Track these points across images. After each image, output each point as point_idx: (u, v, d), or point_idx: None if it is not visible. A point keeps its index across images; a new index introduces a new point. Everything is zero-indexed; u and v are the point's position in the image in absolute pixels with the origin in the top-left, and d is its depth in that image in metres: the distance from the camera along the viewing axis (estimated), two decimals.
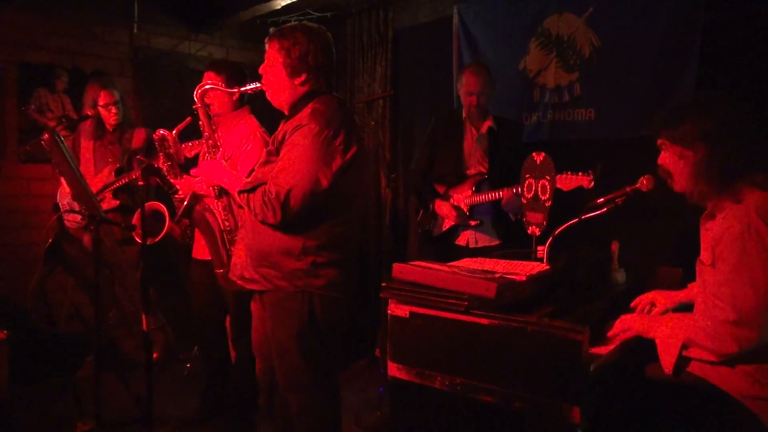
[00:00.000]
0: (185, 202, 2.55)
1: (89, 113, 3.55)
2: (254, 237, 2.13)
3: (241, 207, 2.41)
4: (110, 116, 3.56)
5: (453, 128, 3.36)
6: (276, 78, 2.11)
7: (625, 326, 1.86)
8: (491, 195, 3.17)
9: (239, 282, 2.22)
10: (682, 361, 1.75)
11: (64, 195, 3.50)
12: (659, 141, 1.87)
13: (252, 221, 2.13)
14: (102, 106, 3.54)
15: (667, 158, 1.85)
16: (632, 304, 2.14)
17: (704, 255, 1.84)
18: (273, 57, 2.10)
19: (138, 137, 3.64)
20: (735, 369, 1.70)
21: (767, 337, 1.61)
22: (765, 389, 1.67)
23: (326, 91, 2.14)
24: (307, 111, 2.04)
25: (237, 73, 2.88)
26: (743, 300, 1.61)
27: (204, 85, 2.40)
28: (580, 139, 3.45)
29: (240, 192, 2.09)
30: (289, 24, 2.16)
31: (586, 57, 3.40)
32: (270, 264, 2.09)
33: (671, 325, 1.77)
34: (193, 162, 3.04)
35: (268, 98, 2.18)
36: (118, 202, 3.55)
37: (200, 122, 2.42)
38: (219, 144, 2.43)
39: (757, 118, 2.69)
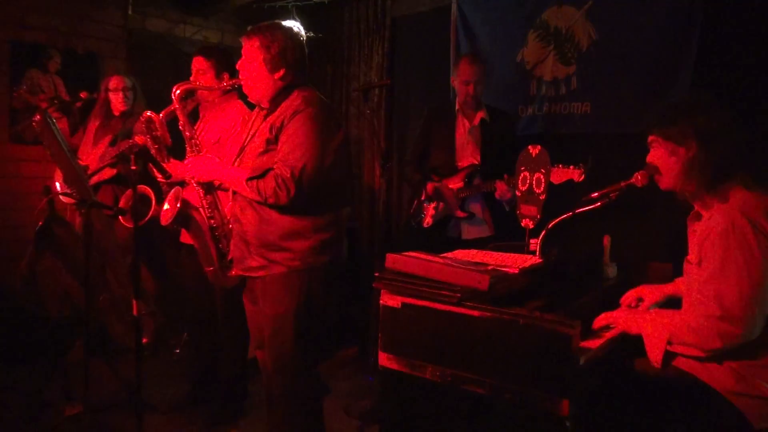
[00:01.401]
0: (171, 206, 2.51)
1: (82, 95, 3.52)
2: (261, 226, 2.20)
3: (226, 189, 2.41)
4: (118, 101, 3.58)
5: (446, 119, 3.35)
6: (255, 73, 2.20)
7: (609, 322, 1.87)
8: (483, 187, 3.17)
9: (248, 273, 2.28)
10: (669, 355, 1.77)
11: (59, 176, 3.48)
12: (650, 138, 1.88)
13: (256, 212, 2.20)
14: (111, 90, 3.57)
15: (657, 155, 1.86)
16: (621, 300, 2.15)
17: (691, 254, 1.86)
18: (253, 53, 2.19)
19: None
20: (722, 365, 1.72)
21: (752, 334, 1.63)
22: (750, 386, 1.69)
23: (302, 83, 2.26)
24: (298, 98, 2.17)
25: (226, 58, 2.89)
26: (727, 296, 1.63)
27: (182, 86, 2.43)
28: (575, 132, 3.45)
29: (249, 179, 2.14)
30: (264, 23, 2.24)
31: (584, 50, 3.39)
32: (282, 248, 2.19)
33: (655, 320, 1.78)
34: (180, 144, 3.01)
35: (246, 92, 2.27)
36: (116, 170, 3.53)
37: (180, 123, 2.42)
38: (200, 144, 2.43)
39: (752, 114, 2.71)
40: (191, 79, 2.87)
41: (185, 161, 2.44)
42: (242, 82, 2.25)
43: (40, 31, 4.03)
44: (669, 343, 1.73)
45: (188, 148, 2.44)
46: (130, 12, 4.36)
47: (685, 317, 1.74)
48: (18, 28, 3.94)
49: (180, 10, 4.63)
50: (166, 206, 2.54)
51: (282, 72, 2.19)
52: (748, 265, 1.62)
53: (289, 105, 2.16)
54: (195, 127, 2.96)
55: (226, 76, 2.82)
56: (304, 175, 2.08)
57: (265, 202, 2.13)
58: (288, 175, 2.06)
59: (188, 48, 4.61)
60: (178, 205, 2.47)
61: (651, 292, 2.11)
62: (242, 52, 2.22)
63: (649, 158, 1.90)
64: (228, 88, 2.30)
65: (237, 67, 2.26)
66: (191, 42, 4.65)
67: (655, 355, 1.75)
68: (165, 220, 2.54)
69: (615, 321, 1.86)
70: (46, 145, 2.80)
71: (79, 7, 4.17)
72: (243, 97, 2.94)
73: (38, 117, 2.60)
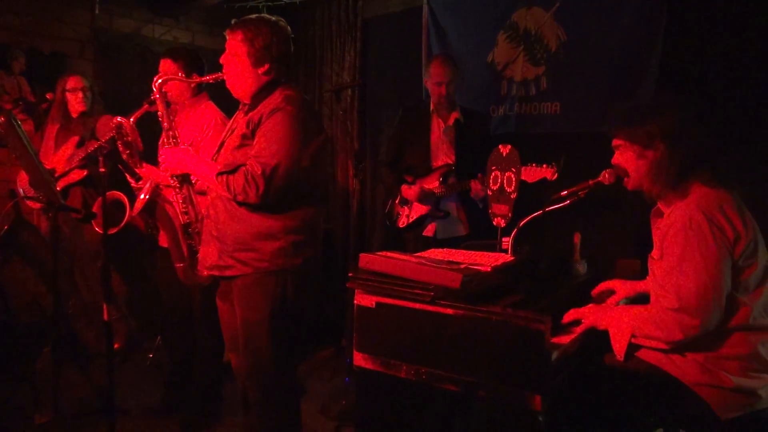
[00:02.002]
0: (145, 196, 2.48)
1: (48, 96, 3.45)
2: (230, 223, 2.15)
3: (202, 193, 2.38)
4: (77, 102, 3.49)
5: (420, 120, 3.37)
6: (239, 68, 2.15)
7: (578, 317, 1.90)
8: (458, 186, 3.20)
9: (212, 272, 2.24)
10: (633, 348, 1.81)
11: (22, 179, 3.40)
12: (615, 142, 1.92)
13: (226, 208, 2.16)
14: (69, 91, 3.48)
15: (624, 159, 1.90)
16: (593, 293, 2.19)
17: (655, 250, 1.91)
18: (236, 47, 2.13)
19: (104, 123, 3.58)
20: (686, 358, 1.77)
21: (709, 324, 1.68)
22: (713, 377, 1.74)
23: (286, 80, 2.22)
24: (279, 96, 2.11)
25: (194, 60, 2.86)
26: (685, 289, 1.68)
27: (163, 76, 2.38)
28: (545, 132, 3.50)
29: (219, 174, 2.10)
30: (250, 16, 2.19)
31: (553, 51, 3.45)
32: (249, 248, 2.13)
33: (621, 315, 1.82)
34: (151, 149, 2.99)
35: (229, 88, 2.21)
36: (86, 172, 3.46)
37: (159, 114, 2.38)
38: (178, 136, 2.40)
39: (713, 113, 2.79)
40: None
41: (160, 152, 2.37)
42: (225, 77, 2.19)
43: (4, 31, 3.92)
44: (633, 336, 1.78)
45: (165, 139, 2.38)
46: (96, 11, 4.28)
47: (648, 311, 1.78)
48: None
49: (148, 10, 4.56)
50: (142, 196, 2.50)
51: (266, 67, 2.14)
52: (704, 259, 1.68)
53: (270, 102, 2.11)
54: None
55: (195, 77, 2.80)
56: (276, 174, 2.02)
57: (234, 199, 2.08)
58: (258, 172, 2.00)
59: (157, 48, 4.54)
60: (147, 196, 2.43)
61: (623, 287, 2.17)
62: (226, 45, 2.16)
63: (614, 161, 1.93)
64: (210, 81, 2.24)
65: (221, 61, 2.19)
66: (160, 42, 4.58)
67: (618, 348, 1.79)
68: (136, 210, 2.50)
69: (583, 316, 1.90)
70: (11, 147, 2.74)
71: (44, 7, 4.07)
72: (214, 98, 2.94)
73: (2, 119, 2.54)
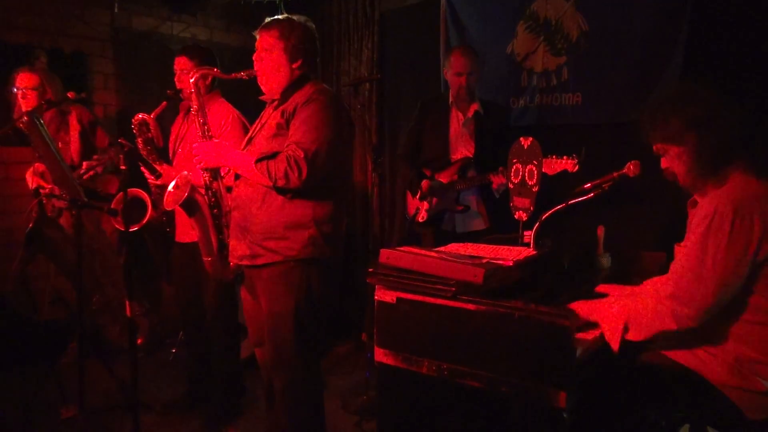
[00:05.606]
0: (177, 190, 2.48)
1: (70, 96, 3.47)
2: (259, 214, 2.19)
3: (229, 190, 2.40)
4: (25, 103, 3.27)
5: (439, 112, 3.34)
6: (275, 62, 2.22)
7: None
8: (477, 179, 3.16)
9: (242, 263, 2.27)
10: (640, 344, 1.74)
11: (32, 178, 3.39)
12: (655, 147, 1.86)
13: (254, 198, 2.20)
14: (17, 88, 3.27)
15: (669, 161, 1.83)
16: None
17: (685, 240, 1.86)
18: (271, 43, 2.22)
19: (83, 116, 3.53)
20: (716, 358, 1.72)
21: (704, 317, 1.63)
22: (745, 380, 1.68)
23: (315, 77, 2.30)
24: (311, 89, 2.20)
25: (209, 57, 2.88)
26: (687, 277, 1.64)
27: (201, 71, 2.40)
28: (567, 123, 3.44)
29: (258, 160, 2.14)
30: (280, 16, 2.29)
31: (574, 41, 3.38)
32: (280, 236, 2.18)
33: (612, 306, 1.77)
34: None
35: (261, 84, 2.27)
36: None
37: (193, 107, 2.38)
38: (211, 131, 2.40)
39: (742, 102, 2.71)
40: (175, 79, 2.86)
41: (194, 145, 2.37)
42: (258, 73, 2.25)
43: (26, 31, 3.97)
44: (626, 327, 1.70)
45: (200, 134, 2.38)
46: (116, 10, 4.31)
47: (647, 300, 1.73)
48: (3, 29, 3.88)
49: (167, 8, 4.58)
50: (170, 188, 2.50)
51: (300, 62, 2.23)
52: (716, 251, 1.62)
53: (303, 94, 2.19)
54: (182, 127, 2.94)
55: (217, 72, 2.80)
56: (318, 158, 2.08)
57: (274, 185, 2.11)
58: (301, 156, 2.06)
59: (176, 46, 4.56)
60: (186, 193, 2.43)
61: (615, 291, 2.05)
62: (258, 44, 2.24)
63: (663, 165, 1.87)
64: (245, 77, 2.28)
65: (254, 58, 2.26)
66: (179, 39, 4.61)
67: (613, 340, 1.71)
68: (170, 204, 2.50)
69: (577, 311, 1.82)
70: (35, 146, 2.78)
71: (64, 7, 4.11)
72: (225, 95, 2.95)
73: (26, 118, 2.58)
